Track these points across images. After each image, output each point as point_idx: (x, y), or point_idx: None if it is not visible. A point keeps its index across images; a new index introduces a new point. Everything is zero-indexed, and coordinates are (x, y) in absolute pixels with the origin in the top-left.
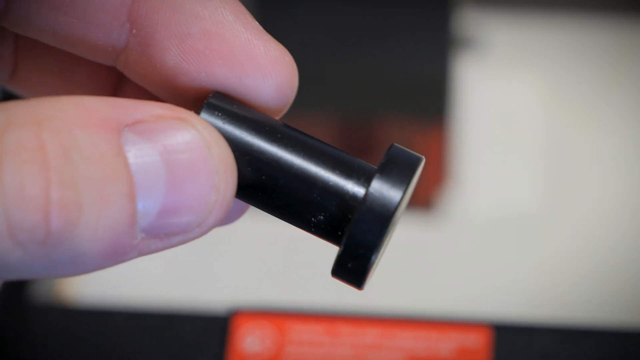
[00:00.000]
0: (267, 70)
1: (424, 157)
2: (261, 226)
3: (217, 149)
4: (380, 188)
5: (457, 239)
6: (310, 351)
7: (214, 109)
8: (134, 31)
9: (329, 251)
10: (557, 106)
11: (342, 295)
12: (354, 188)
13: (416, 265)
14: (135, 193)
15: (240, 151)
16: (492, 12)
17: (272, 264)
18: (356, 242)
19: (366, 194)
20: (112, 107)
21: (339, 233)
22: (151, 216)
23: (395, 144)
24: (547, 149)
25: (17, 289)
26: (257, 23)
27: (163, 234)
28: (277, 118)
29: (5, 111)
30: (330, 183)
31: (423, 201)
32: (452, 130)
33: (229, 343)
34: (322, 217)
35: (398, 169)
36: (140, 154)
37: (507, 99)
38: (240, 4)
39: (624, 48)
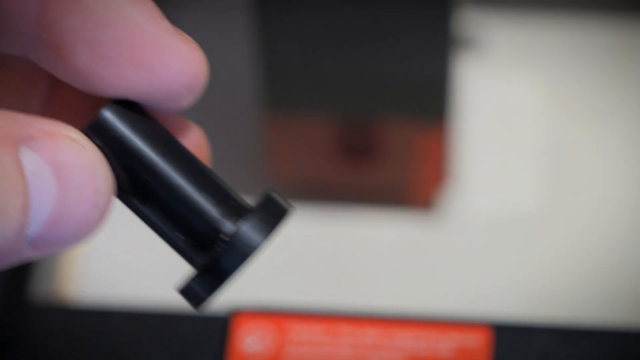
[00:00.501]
0: (176, 71)
1: (292, 210)
2: None
3: (102, 171)
4: (248, 230)
5: (457, 239)
6: (310, 351)
7: (103, 124)
8: (45, 36)
9: (330, 251)
10: (557, 106)
11: (342, 295)
12: (227, 223)
13: (416, 265)
14: (29, 206)
15: (124, 164)
16: (492, 12)
17: (272, 263)
18: (215, 270)
19: (236, 233)
20: (12, 122)
21: (198, 257)
22: (38, 228)
23: (272, 193)
24: (547, 149)
25: (17, 289)
26: (168, 23)
27: (44, 244)
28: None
29: None
30: (207, 211)
31: (423, 201)
32: (452, 130)
33: (229, 343)
34: (189, 239)
35: (267, 215)
36: (34, 169)
37: (507, 99)
38: (152, 4)
39: (625, 48)
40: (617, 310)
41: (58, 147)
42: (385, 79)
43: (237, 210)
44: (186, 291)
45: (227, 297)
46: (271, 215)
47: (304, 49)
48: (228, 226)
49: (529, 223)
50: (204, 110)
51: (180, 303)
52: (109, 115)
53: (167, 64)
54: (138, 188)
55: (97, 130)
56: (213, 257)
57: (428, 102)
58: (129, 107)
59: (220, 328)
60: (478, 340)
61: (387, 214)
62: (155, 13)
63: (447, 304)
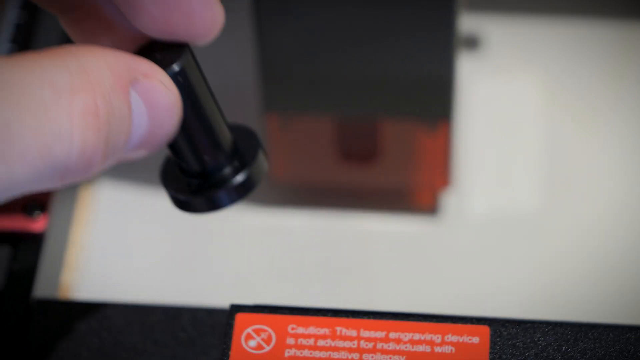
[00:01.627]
0: (207, 22)
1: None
2: (262, 225)
3: (178, 109)
4: (225, 191)
5: (457, 239)
6: (311, 350)
7: (181, 69)
8: None
9: (331, 251)
10: (558, 106)
11: (342, 295)
12: (226, 168)
13: (417, 265)
14: (130, 134)
15: (186, 100)
16: (492, 12)
17: (273, 263)
18: (206, 198)
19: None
20: (123, 65)
21: (195, 180)
22: (133, 146)
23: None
24: (547, 149)
25: (20, 283)
26: None
27: (136, 152)
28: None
29: (66, 72)
30: (218, 154)
31: (424, 201)
32: (452, 130)
33: (229, 342)
34: (198, 166)
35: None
36: (137, 109)
37: (507, 99)
38: None
39: (625, 48)
40: (617, 310)
41: (153, 90)
42: (387, 80)
43: (233, 160)
44: (183, 203)
45: (228, 296)
46: (245, 186)
47: (305, 49)
48: (226, 171)
49: (529, 223)
50: None
51: (180, 302)
52: (184, 61)
53: (202, 16)
54: (187, 118)
55: (177, 74)
56: (207, 188)
57: (428, 102)
58: (190, 52)
59: (221, 326)
60: (478, 340)
61: (388, 214)
62: None
63: (447, 303)
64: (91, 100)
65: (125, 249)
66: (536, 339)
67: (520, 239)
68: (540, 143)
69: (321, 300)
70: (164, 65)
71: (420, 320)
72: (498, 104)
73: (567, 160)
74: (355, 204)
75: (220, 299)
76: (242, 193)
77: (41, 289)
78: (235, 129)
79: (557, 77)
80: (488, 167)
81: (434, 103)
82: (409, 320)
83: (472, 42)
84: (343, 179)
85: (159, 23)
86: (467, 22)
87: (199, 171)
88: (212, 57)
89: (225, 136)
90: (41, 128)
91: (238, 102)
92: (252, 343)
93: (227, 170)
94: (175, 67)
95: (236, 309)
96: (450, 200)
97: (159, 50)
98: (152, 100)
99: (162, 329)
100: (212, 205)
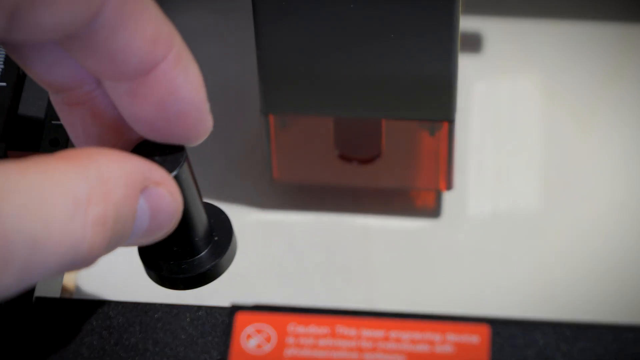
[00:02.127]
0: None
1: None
2: (262, 225)
3: (179, 213)
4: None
5: (457, 239)
6: (311, 350)
7: (181, 175)
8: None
9: (331, 251)
10: (558, 106)
11: (342, 294)
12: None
13: (416, 265)
14: (131, 230)
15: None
16: (492, 12)
17: (273, 263)
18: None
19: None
20: (141, 177)
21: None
22: (133, 239)
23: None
24: (547, 149)
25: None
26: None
27: (137, 243)
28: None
29: (87, 183)
30: (197, 241)
31: (424, 201)
32: (452, 131)
33: (229, 341)
34: (183, 250)
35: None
36: (141, 212)
37: (507, 99)
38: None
39: (624, 48)
40: (616, 310)
41: (160, 198)
42: (387, 80)
43: (206, 244)
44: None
45: (229, 296)
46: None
47: (305, 50)
48: (202, 255)
49: (529, 223)
50: None
51: (180, 301)
52: (183, 166)
53: (197, 127)
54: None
55: (178, 178)
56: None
57: (430, 103)
58: (185, 157)
59: (221, 326)
60: (477, 339)
61: (388, 214)
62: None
63: (447, 303)
64: (103, 211)
65: (126, 248)
66: (536, 339)
67: (520, 238)
68: (540, 143)
69: (321, 300)
70: (166, 169)
71: (420, 320)
72: (498, 104)
73: (567, 160)
74: (355, 204)
75: (221, 299)
76: (209, 279)
77: (42, 288)
78: (211, 211)
79: (557, 78)
80: (488, 167)
81: (435, 103)
82: (409, 319)
83: (472, 42)
84: (343, 179)
85: (156, 130)
86: (468, 22)
87: (175, 256)
88: (212, 57)
89: (203, 227)
90: (63, 241)
91: (238, 102)
92: (253, 342)
93: (202, 257)
94: (176, 173)
95: (236, 308)
96: (450, 200)
97: (156, 152)
98: (157, 207)
99: (162, 328)
100: (175, 284)
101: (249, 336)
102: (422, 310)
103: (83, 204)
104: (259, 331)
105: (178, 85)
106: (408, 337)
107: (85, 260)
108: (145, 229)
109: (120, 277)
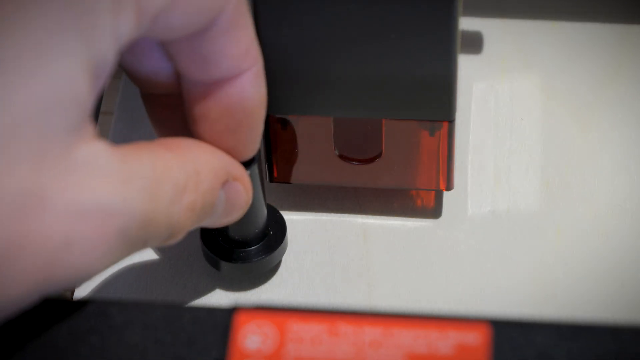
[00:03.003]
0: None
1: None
2: None
3: (247, 206)
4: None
5: (457, 239)
6: (311, 349)
7: (252, 174)
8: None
9: (331, 251)
10: (557, 106)
11: (342, 294)
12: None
13: (416, 265)
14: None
15: None
16: (492, 12)
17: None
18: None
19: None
20: (225, 171)
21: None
22: (205, 224)
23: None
24: (547, 149)
25: None
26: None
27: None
28: None
29: (185, 174)
30: (255, 234)
31: (424, 201)
32: (452, 130)
33: (229, 340)
34: (243, 241)
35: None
36: (219, 202)
37: (507, 99)
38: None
39: (624, 48)
40: (616, 310)
41: (236, 192)
42: (387, 80)
43: (262, 238)
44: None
45: (229, 295)
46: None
47: (305, 50)
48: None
49: (529, 223)
50: None
51: (181, 300)
52: (256, 168)
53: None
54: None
55: (251, 175)
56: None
57: (430, 103)
58: (258, 157)
59: (221, 325)
60: (477, 338)
61: (388, 214)
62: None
63: (447, 302)
64: (194, 198)
65: None
66: (536, 339)
67: (520, 238)
68: (540, 143)
69: (321, 299)
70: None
71: (420, 319)
72: (498, 104)
73: (567, 160)
74: (355, 204)
75: (221, 298)
76: (258, 270)
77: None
78: (269, 210)
79: (557, 78)
80: (488, 167)
81: (435, 103)
82: (409, 318)
83: (472, 42)
84: (343, 179)
85: (214, 134)
86: (468, 22)
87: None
88: None
89: (262, 222)
90: (164, 222)
91: None
92: (253, 342)
93: (256, 248)
94: (250, 171)
95: (236, 308)
96: (450, 200)
97: None
98: (232, 199)
99: (162, 328)
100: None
101: (248, 336)
102: (422, 308)
103: (181, 191)
104: (258, 331)
105: (249, 98)
106: (408, 336)
107: (173, 240)
108: (218, 215)
109: (120, 277)
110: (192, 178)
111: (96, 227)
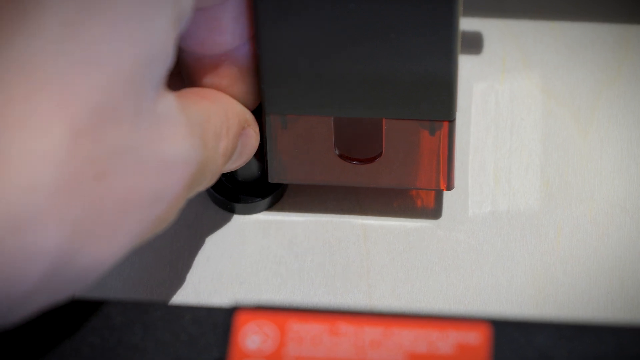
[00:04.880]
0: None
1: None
2: (262, 225)
3: (256, 148)
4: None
5: (457, 239)
6: (311, 348)
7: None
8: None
9: (331, 251)
10: (557, 106)
11: (342, 294)
12: None
13: (416, 265)
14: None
15: None
16: (492, 12)
17: (273, 262)
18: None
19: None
20: (244, 118)
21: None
22: (228, 166)
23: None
24: (547, 149)
25: None
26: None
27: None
28: None
29: (219, 120)
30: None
31: (424, 201)
32: (452, 130)
33: (230, 340)
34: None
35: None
36: (235, 146)
37: (507, 99)
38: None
39: (624, 49)
40: (616, 310)
41: (250, 137)
42: (387, 80)
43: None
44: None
45: (229, 295)
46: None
47: (305, 50)
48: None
49: (529, 223)
50: None
51: (181, 300)
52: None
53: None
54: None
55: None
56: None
57: (430, 103)
58: None
59: (221, 325)
60: (478, 338)
61: (388, 214)
62: None
63: (448, 303)
64: (226, 143)
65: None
66: (536, 339)
67: (520, 238)
68: (540, 143)
69: (321, 299)
70: None
71: (420, 319)
72: (498, 104)
73: (567, 160)
74: (355, 204)
75: (221, 298)
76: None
77: None
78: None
79: (557, 78)
80: (488, 167)
81: (435, 103)
82: (409, 318)
83: (472, 42)
84: (343, 179)
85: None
86: (468, 22)
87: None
88: None
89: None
90: (212, 166)
91: None
92: (253, 342)
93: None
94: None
95: (237, 308)
96: (450, 200)
97: None
98: (246, 143)
99: (163, 328)
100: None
101: (249, 335)
102: (422, 307)
103: (219, 137)
104: (259, 331)
105: (247, 57)
106: (408, 336)
107: (209, 185)
108: (234, 159)
109: (120, 277)
110: (224, 124)
111: (179, 177)
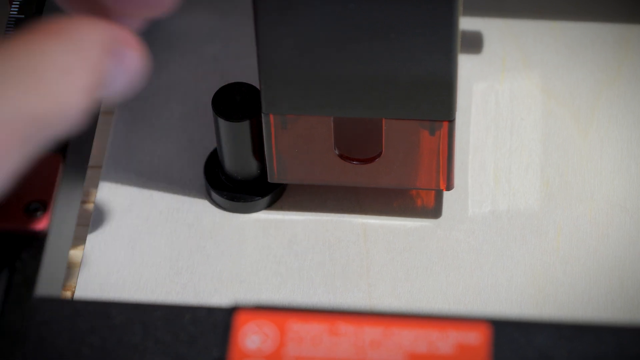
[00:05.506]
0: None
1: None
2: (262, 225)
3: (143, 65)
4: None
5: (457, 239)
6: (311, 348)
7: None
8: None
9: (331, 251)
10: (557, 106)
11: (342, 294)
12: None
13: (416, 265)
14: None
15: None
16: (492, 12)
17: (273, 262)
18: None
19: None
20: (111, 39)
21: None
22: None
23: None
24: (547, 149)
25: (22, 282)
26: None
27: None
28: None
29: (67, 55)
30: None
31: (424, 201)
32: (452, 130)
33: (230, 340)
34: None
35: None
36: (115, 72)
37: (507, 99)
38: None
39: (625, 48)
40: (616, 310)
41: (129, 55)
42: (387, 80)
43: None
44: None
45: (229, 296)
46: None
47: (304, 50)
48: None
49: (529, 223)
50: (204, 109)
51: (181, 300)
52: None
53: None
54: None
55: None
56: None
57: (430, 103)
58: None
59: (221, 325)
60: (477, 338)
61: (388, 214)
62: None
63: (448, 303)
64: (86, 77)
65: (127, 247)
66: (536, 339)
67: (520, 238)
68: (540, 143)
69: (321, 299)
70: (246, 108)
71: (420, 319)
72: (498, 104)
73: (567, 160)
74: (355, 204)
75: (221, 298)
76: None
77: (43, 288)
78: None
79: (557, 78)
80: (488, 167)
81: (435, 103)
82: (409, 318)
83: (472, 42)
84: (343, 179)
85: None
86: (468, 22)
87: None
88: (212, 57)
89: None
90: (59, 111)
91: None
92: (253, 342)
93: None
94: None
95: (236, 308)
96: (450, 200)
97: (238, 95)
98: (127, 62)
99: (163, 328)
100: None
101: (249, 335)
102: (422, 307)
103: (70, 75)
104: (259, 330)
105: None
106: (408, 336)
107: (74, 123)
108: (120, 82)
109: (120, 277)
110: (75, 56)
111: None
